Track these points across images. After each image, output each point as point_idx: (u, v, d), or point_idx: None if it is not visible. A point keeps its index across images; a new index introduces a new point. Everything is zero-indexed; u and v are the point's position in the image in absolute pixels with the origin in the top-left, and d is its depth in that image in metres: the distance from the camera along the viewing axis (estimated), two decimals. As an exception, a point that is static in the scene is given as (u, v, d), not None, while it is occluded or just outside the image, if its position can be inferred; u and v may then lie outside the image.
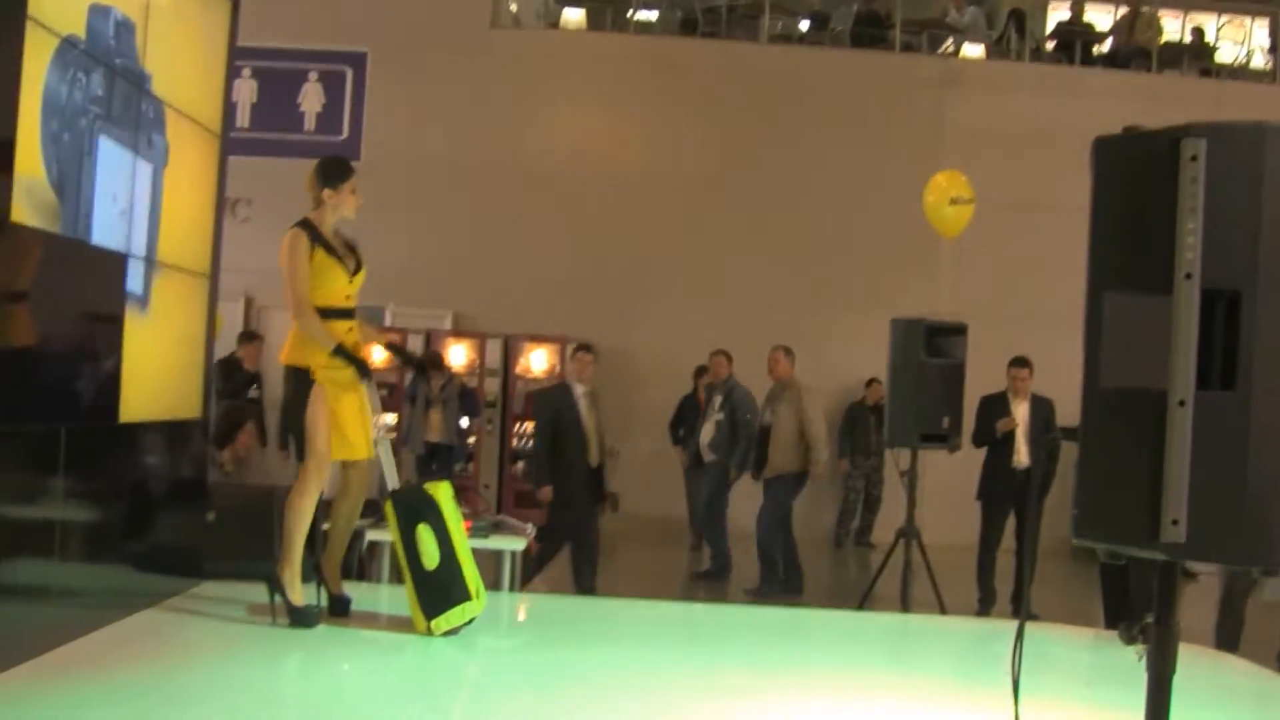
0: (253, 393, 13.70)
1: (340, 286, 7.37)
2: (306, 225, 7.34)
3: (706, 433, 13.80)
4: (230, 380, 13.73)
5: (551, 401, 11.56)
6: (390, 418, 7.78)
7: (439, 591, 7.15)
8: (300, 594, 7.26)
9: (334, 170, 7.53)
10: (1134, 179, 3.48)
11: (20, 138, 5.74)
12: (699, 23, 19.64)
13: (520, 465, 17.70)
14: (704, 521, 13.97)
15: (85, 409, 6.71)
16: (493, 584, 8.04)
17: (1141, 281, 3.40)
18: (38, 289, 6.10)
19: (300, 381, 7.29)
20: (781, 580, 13.10)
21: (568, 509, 11.39)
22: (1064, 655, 8.49)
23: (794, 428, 12.95)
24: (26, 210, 5.84)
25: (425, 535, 7.13)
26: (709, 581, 13.59)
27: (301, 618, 7.21)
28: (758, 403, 13.53)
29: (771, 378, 13.43)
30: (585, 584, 11.30)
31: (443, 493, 7.31)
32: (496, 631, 7.92)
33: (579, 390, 11.48)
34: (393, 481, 7.59)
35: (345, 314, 7.40)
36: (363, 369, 7.45)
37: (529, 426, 17.61)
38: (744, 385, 13.76)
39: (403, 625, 7.24)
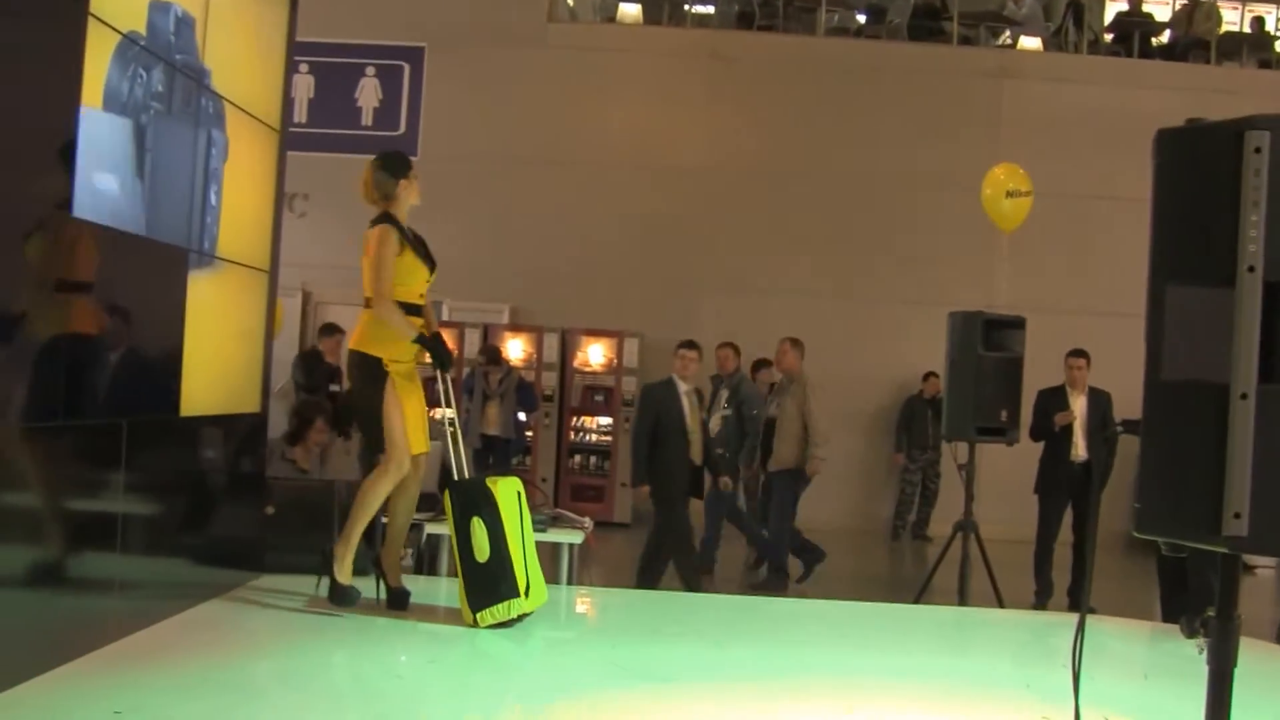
0: (334, 386, 13.65)
1: (418, 285, 7.46)
2: (394, 222, 7.41)
3: (713, 427, 13.64)
4: (311, 375, 13.70)
5: (654, 399, 11.40)
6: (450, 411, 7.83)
7: (487, 585, 7.17)
8: (348, 575, 7.33)
9: (400, 163, 7.61)
10: (1196, 171, 3.46)
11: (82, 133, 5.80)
12: (755, 16, 19.62)
13: (576, 459, 17.77)
14: (710, 514, 13.76)
15: (147, 403, 6.76)
16: (551, 577, 8.05)
17: (1203, 274, 3.39)
18: (100, 284, 6.15)
19: (370, 370, 7.34)
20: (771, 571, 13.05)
21: (672, 505, 11.25)
22: (1121, 648, 8.45)
23: (799, 421, 12.78)
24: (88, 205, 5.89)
25: (478, 528, 7.15)
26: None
27: (342, 596, 7.29)
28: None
29: (778, 370, 13.29)
30: (649, 577, 11.20)
31: (503, 488, 7.32)
32: (555, 623, 7.93)
33: (683, 388, 11.34)
34: (460, 472, 7.61)
35: (417, 310, 7.45)
36: (444, 360, 7.52)
37: (586, 420, 17.68)
38: (751, 380, 13.63)
39: (461, 618, 7.27)
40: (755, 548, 13.85)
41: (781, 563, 12.94)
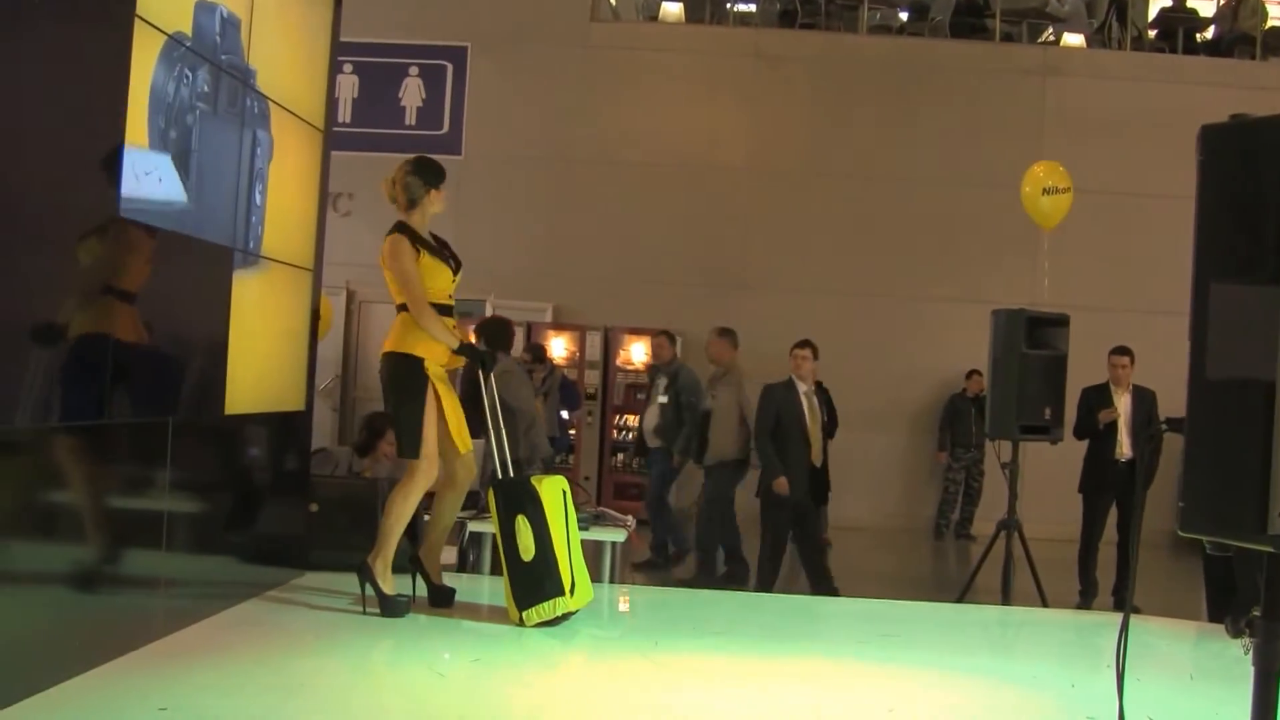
0: None
1: (444, 285, 7.47)
2: (404, 229, 7.44)
3: (650, 418, 13.56)
4: None
5: (775, 398, 11.29)
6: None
7: (532, 583, 7.19)
8: (391, 584, 7.33)
9: (435, 172, 7.65)
10: (1241, 167, 3.44)
11: (128, 134, 5.83)
12: (798, 14, 19.60)
13: (619, 457, 17.74)
14: (652, 510, 13.63)
15: (192, 401, 6.80)
16: (593, 575, 8.05)
17: (1248, 271, 3.36)
18: (146, 283, 6.19)
19: (411, 372, 7.33)
20: (723, 573, 12.60)
21: (782, 508, 11.20)
22: (1167, 648, 8.42)
23: (735, 413, 12.49)
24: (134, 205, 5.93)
25: (523, 527, 7.17)
26: (649, 571, 13.29)
27: (392, 607, 7.27)
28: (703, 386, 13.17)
29: (709, 359, 13.08)
30: (821, 580, 11.15)
31: (548, 487, 7.33)
32: (599, 621, 7.94)
33: (802, 388, 11.30)
34: (504, 470, 7.61)
35: (447, 311, 7.46)
36: (488, 363, 7.57)
37: (630, 419, 17.68)
38: (691, 368, 13.49)
39: (505, 616, 7.28)
40: (657, 539, 13.67)
41: (711, 553, 12.72)
